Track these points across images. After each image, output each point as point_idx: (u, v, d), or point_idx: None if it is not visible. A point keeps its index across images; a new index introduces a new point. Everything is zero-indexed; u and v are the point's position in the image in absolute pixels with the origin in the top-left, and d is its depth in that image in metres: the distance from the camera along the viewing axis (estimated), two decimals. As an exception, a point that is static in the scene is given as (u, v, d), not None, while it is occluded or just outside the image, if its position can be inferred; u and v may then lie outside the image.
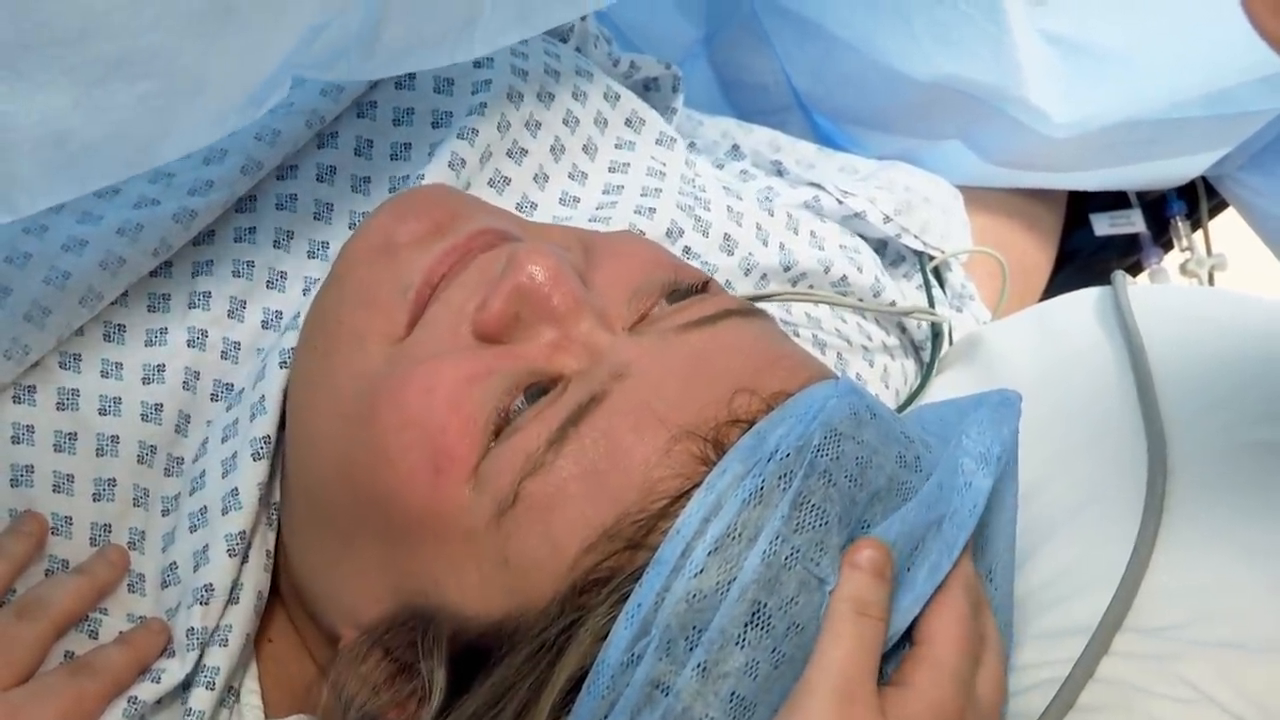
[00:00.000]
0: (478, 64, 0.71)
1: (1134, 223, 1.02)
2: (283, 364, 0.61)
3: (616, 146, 0.75)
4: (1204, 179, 1.02)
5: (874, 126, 0.97)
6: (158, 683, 0.58)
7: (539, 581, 0.52)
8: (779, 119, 0.99)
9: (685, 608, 0.48)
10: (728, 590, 0.48)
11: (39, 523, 0.60)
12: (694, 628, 0.48)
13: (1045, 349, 0.79)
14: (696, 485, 0.50)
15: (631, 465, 0.51)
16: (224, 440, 0.62)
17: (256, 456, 0.60)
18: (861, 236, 0.83)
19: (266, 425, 0.60)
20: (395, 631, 0.55)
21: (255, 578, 0.60)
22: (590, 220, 0.71)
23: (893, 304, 0.80)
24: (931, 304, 0.83)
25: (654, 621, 0.48)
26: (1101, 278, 1.01)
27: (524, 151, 0.71)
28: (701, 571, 0.48)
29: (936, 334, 0.83)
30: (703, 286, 0.59)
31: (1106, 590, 0.60)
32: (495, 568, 0.52)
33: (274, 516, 0.62)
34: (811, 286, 0.77)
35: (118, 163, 0.51)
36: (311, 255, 0.67)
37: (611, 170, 0.74)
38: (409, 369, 0.55)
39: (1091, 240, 1.04)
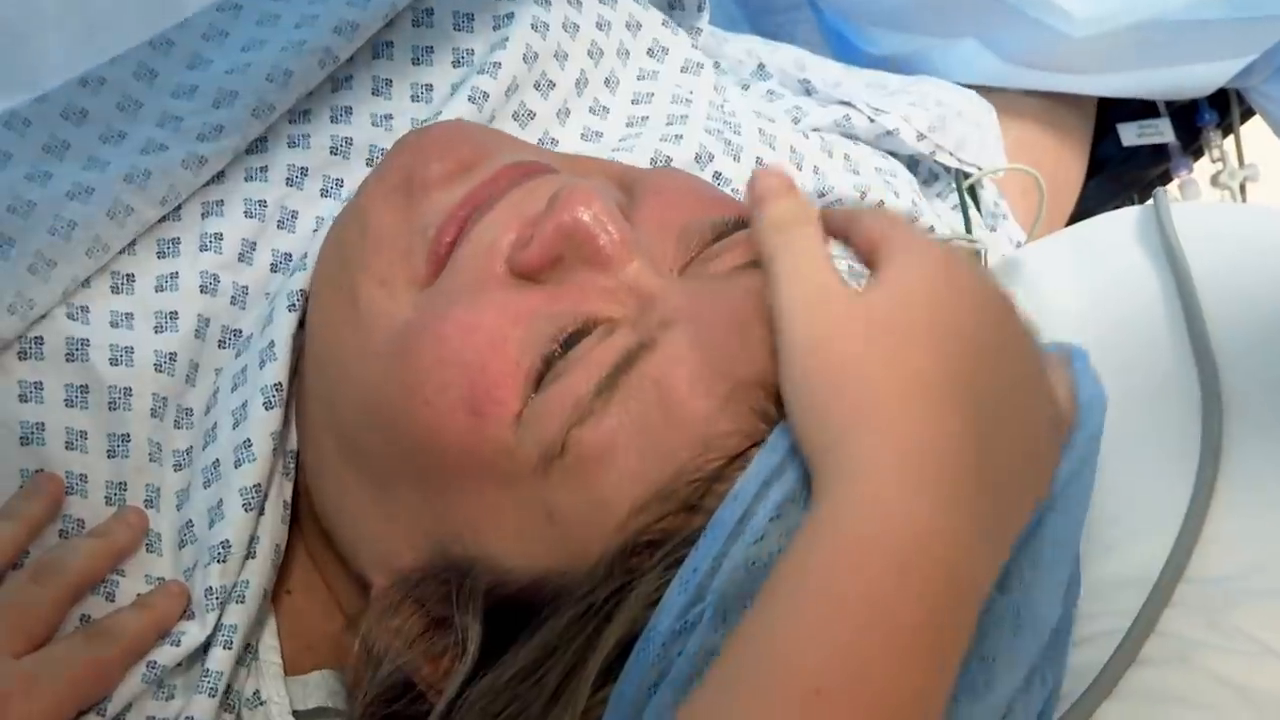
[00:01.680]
0: None
1: (1162, 132, 0.99)
2: (291, 307, 0.59)
3: (639, 78, 0.72)
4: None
5: (887, 24, 0.93)
6: (177, 646, 0.56)
7: (585, 539, 0.49)
8: (788, 18, 0.96)
9: (744, 575, 0.45)
10: None
11: (55, 483, 0.57)
12: (752, 596, 0.45)
13: (1086, 275, 0.77)
14: (757, 444, 0.48)
15: (686, 419, 0.48)
16: (234, 389, 0.59)
17: (268, 405, 0.57)
18: (894, 155, 0.80)
19: (277, 372, 0.58)
20: (429, 583, 0.53)
21: (272, 530, 0.58)
22: (614, 151, 0.68)
23: (931, 230, 0.77)
24: (968, 225, 0.80)
25: (709, 588, 0.46)
26: (1129, 188, 0.98)
27: (551, 84, 0.68)
28: (762, 538, 0.46)
29: (973, 260, 0.81)
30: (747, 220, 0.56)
31: (1165, 537, 0.58)
32: (538, 519, 0.50)
33: (290, 465, 0.60)
34: (847, 214, 0.75)
35: (139, 23, 0.49)
36: (325, 194, 0.64)
37: (635, 102, 0.72)
38: (448, 305, 0.52)
39: (1119, 150, 1.01)
